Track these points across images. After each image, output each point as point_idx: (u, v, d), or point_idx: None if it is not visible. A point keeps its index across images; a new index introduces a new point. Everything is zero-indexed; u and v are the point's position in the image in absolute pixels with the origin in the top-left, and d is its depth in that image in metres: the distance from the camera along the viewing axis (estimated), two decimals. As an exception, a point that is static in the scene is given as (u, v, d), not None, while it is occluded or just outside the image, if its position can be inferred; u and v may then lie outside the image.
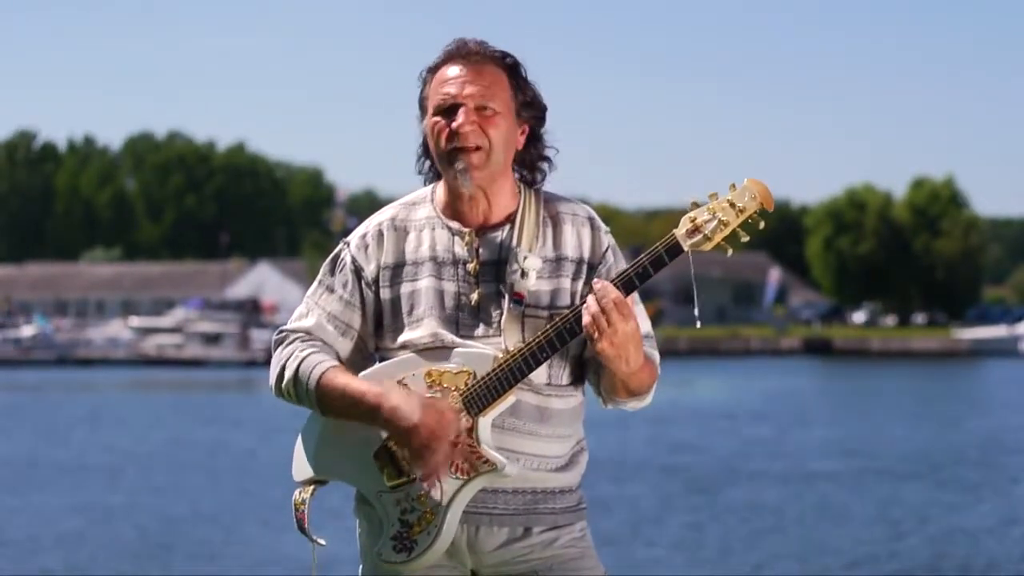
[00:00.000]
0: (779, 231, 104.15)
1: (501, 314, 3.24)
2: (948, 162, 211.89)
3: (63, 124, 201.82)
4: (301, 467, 3.36)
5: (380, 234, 3.35)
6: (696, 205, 3.16)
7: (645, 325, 3.27)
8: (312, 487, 3.34)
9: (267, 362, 3.44)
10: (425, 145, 3.33)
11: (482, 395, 3.18)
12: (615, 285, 3.14)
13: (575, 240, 3.31)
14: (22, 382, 50.80)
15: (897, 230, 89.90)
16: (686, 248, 3.15)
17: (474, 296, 3.27)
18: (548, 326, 3.18)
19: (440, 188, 3.35)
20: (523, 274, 3.24)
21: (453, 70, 3.26)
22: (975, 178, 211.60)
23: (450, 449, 3.16)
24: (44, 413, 35.93)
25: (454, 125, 3.23)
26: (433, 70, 3.30)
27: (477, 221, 3.30)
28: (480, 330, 3.25)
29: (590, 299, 3.13)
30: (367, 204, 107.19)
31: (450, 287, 3.28)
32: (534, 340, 3.17)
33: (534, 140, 3.33)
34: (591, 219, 3.34)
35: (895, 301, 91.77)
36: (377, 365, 3.33)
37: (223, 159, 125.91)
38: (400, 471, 3.23)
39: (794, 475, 22.00)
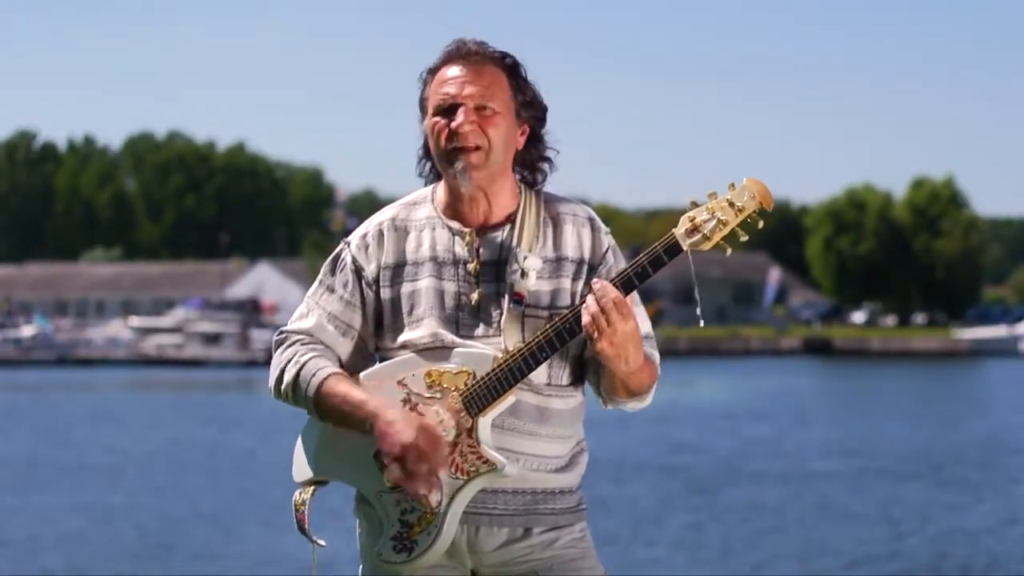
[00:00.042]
0: (779, 231, 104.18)
1: (501, 314, 3.24)
2: (948, 162, 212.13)
3: (63, 124, 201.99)
4: (301, 468, 3.36)
5: (380, 234, 3.35)
6: (695, 204, 3.16)
7: (645, 326, 3.27)
8: (312, 488, 3.34)
9: (267, 362, 3.44)
10: (426, 147, 3.33)
11: (482, 395, 3.18)
12: (614, 285, 3.14)
13: (575, 241, 3.31)
14: (22, 382, 50.81)
15: (897, 230, 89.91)
16: (685, 248, 3.15)
17: (474, 296, 3.27)
18: (548, 326, 3.18)
19: (440, 188, 3.35)
20: (523, 274, 3.24)
21: (453, 70, 3.27)
22: (975, 178, 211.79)
23: (434, 477, 3.15)
24: (44, 413, 35.93)
25: (453, 125, 3.23)
26: (433, 71, 3.30)
27: (477, 221, 3.30)
28: (480, 330, 3.25)
29: (589, 299, 3.13)
30: (367, 204, 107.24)
31: (450, 287, 3.28)
32: (534, 340, 3.17)
33: (535, 141, 3.33)
34: (591, 220, 3.34)
35: (895, 301, 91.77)
36: (377, 365, 3.33)
37: (223, 159, 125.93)
38: (400, 471, 3.23)
39: (794, 475, 22.00)
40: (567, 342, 3.19)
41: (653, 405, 3.37)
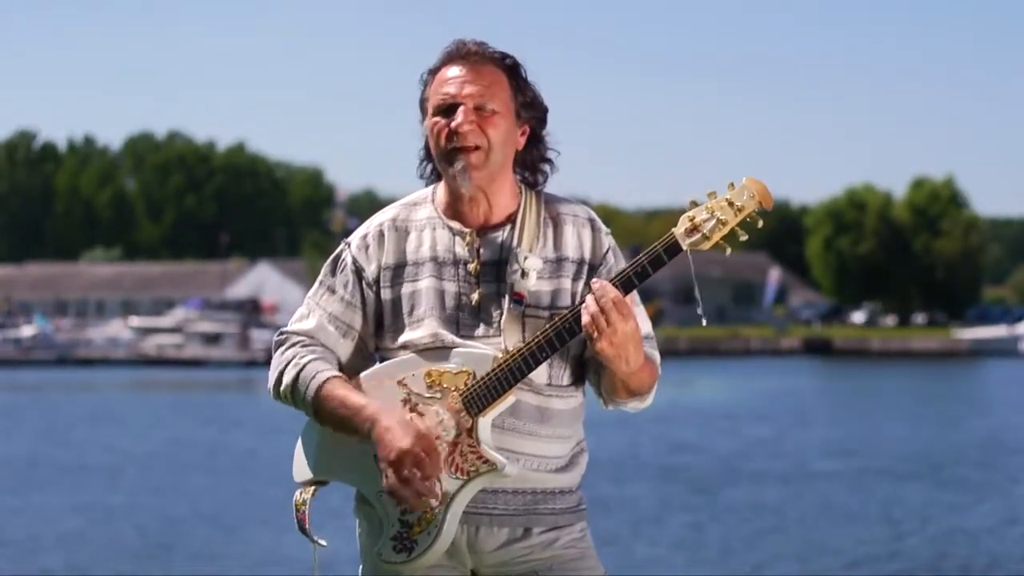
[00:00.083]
0: (779, 231, 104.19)
1: (501, 314, 3.25)
2: (948, 162, 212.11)
3: (63, 124, 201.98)
4: (302, 468, 3.36)
5: (381, 234, 3.35)
6: (695, 204, 3.16)
7: (645, 326, 3.27)
8: (313, 488, 3.34)
9: (267, 362, 3.44)
10: (427, 148, 3.34)
11: (482, 395, 3.18)
12: (614, 285, 3.14)
13: (576, 241, 3.31)
14: (22, 382, 50.81)
15: (897, 230, 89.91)
16: (685, 247, 3.15)
17: (474, 296, 3.27)
18: (548, 326, 3.19)
19: (441, 189, 3.35)
20: (523, 274, 3.24)
21: (453, 71, 3.27)
22: (975, 178, 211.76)
23: (430, 485, 3.15)
24: (44, 413, 35.93)
25: (453, 124, 3.23)
26: (433, 71, 3.31)
27: (478, 221, 3.30)
28: (480, 330, 3.25)
29: (589, 299, 3.13)
30: (367, 204, 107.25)
31: (451, 287, 3.28)
32: (533, 340, 3.18)
33: (535, 141, 3.34)
34: (592, 220, 3.35)
35: (895, 301, 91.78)
36: (377, 365, 3.33)
37: (223, 159, 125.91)
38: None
39: (794, 475, 22.00)
40: (567, 342, 3.19)
41: (653, 405, 3.37)
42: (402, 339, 3.29)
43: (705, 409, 35.24)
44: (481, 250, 3.29)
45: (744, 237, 3.15)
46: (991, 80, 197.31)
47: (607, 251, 3.33)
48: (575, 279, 3.29)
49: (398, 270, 3.32)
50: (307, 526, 3.31)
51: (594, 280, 3.16)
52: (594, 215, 3.37)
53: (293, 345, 3.34)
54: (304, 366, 3.28)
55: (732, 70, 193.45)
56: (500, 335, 3.23)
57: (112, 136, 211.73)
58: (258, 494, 19.90)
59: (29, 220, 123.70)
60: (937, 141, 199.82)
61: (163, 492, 20.22)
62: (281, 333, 3.37)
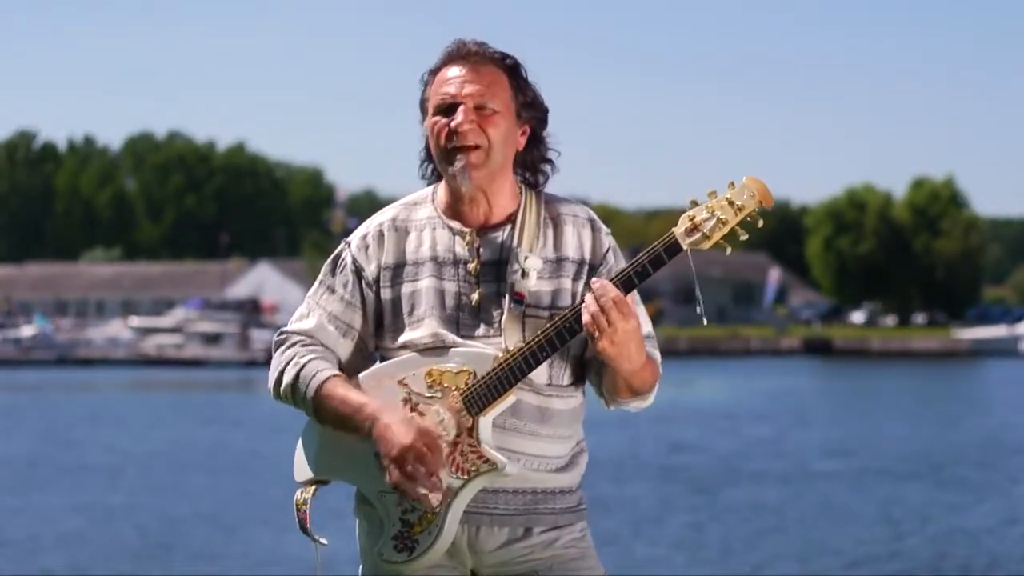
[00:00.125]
0: (779, 231, 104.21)
1: (502, 314, 3.25)
2: (948, 162, 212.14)
3: (63, 124, 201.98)
4: (302, 467, 3.36)
5: (381, 234, 3.35)
6: (695, 203, 3.16)
7: (646, 325, 3.27)
8: (313, 487, 3.35)
9: (267, 362, 3.44)
10: (427, 149, 3.34)
11: (483, 394, 3.18)
12: (614, 284, 3.15)
13: (576, 241, 3.31)
14: (22, 382, 50.81)
15: (897, 230, 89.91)
16: (685, 247, 3.15)
17: (475, 296, 3.27)
18: (548, 325, 3.19)
19: (441, 188, 3.35)
20: (524, 274, 3.24)
21: (453, 71, 3.27)
22: (975, 178, 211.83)
23: (433, 480, 3.15)
24: (44, 413, 35.93)
25: (453, 124, 3.23)
26: (434, 71, 3.31)
27: (478, 221, 3.31)
28: (481, 330, 3.25)
29: (589, 298, 3.13)
30: (367, 204, 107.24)
31: (451, 287, 3.28)
32: (534, 339, 3.18)
33: (535, 142, 3.34)
34: (592, 220, 3.35)
35: (895, 301, 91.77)
36: (377, 365, 3.33)
37: (223, 159, 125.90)
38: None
39: (794, 475, 22.00)
40: (567, 341, 3.19)
41: (654, 405, 3.37)
42: (402, 339, 3.29)
43: (705, 409, 35.24)
44: (481, 250, 3.29)
45: (744, 236, 3.15)
46: (991, 80, 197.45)
47: (607, 251, 3.33)
48: (575, 279, 3.29)
49: (398, 270, 3.32)
50: (308, 525, 3.31)
51: (594, 280, 3.16)
52: (594, 215, 3.37)
53: (293, 345, 3.34)
54: (304, 365, 3.28)
55: (732, 70, 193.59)
56: (500, 335, 3.23)
57: (112, 136, 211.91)
58: (258, 494, 19.90)
59: (29, 220, 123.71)
60: (937, 141, 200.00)
61: (163, 492, 20.22)
62: (281, 333, 3.37)
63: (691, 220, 3.15)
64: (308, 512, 3.32)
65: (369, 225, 3.38)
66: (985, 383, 51.85)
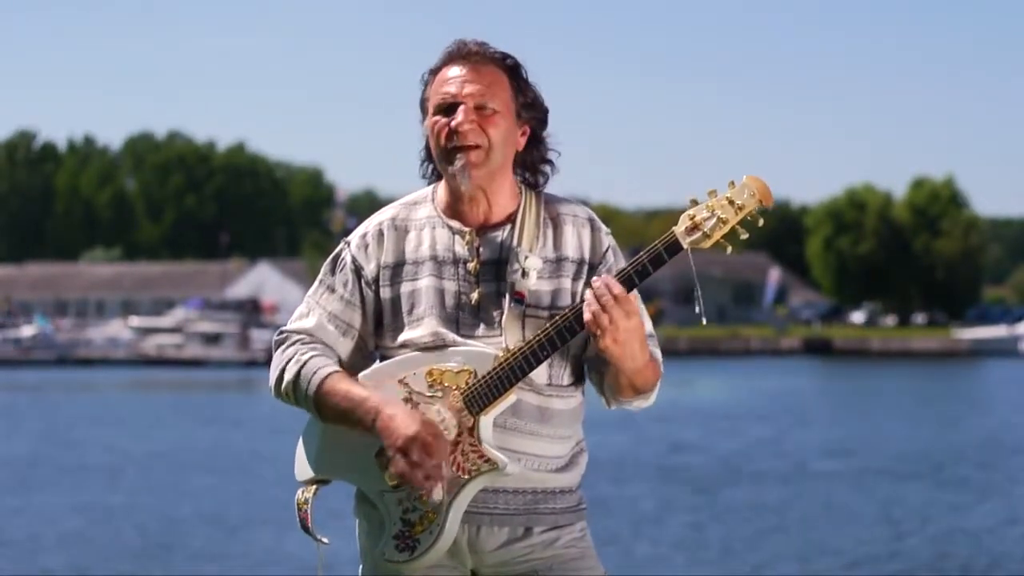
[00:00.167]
0: (779, 231, 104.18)
1: (501, 313, 3.25)
2: (948, 162, 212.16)
3: (63, 124, 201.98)
4: (303, 467, 3.36)
5: (380, 233, 3.35)
6: (695, 202, 3.16)
7: (647, 325, 3.27)
8: (315, 487, 3.35)
9: (267, 362, 3.45)
10: (428, 148, 3.34)
11: (483, 394, 3.18)
12: (614, 283, 3.15)
13: (576, 241, 3.31)
14: (22, 382, 50.80)
15: (897, 230, 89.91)
16: (685, 246, 3.15)
17: (474, 295, 3.27)
18: (548, 325, 3.19)
19: (441, 188, 3.35)
20: (524, 273, 3.24)
21: (453, 70, 3.27)
22: (975, 178, 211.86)
23: (441, 468, 3.16)
24: (44, 413, 35.93)
25: (453, 123, 3.23)
26: (434, 71, 3.31)
27: (477, 221, 3.31)
28: (481, 329, 3.25)
29: (589, 295, 3.13)
30: (367, 204, 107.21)
31: (450, 286, 3.28)
32: (534, 338, 3.18)
33: (535, 142, 3.34)
34: (591, 220, 3.35)
35: (895, 301, 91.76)
36: (377, 364, 3.33)
37: (223, 159, 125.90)
38: (401, 472, 3.23)
39: (794, 475, 22.01)
40: (568, 340, 3.19)
41: (654, 405, 3.37)
42: (402, 338, 3.29)
43: (705, 409, 35.23)
44: (481, 249, 3.29)
45: (745, 235, 3.14)
46: (991, 80, 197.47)
47: (607, 250, 3.33)
48: (575, 279, 3.29)
49: (397, 269, 3.32)
50: (309, 525, 3.32)
51: (595, 279, 3.16)
52: (594, 215, 3.37)
53: (294, 343, 3.34)
54: (305, 363, 3.29)
55: (732, 70, 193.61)
56: (501, 334, 3.23)
57: (112, 136, 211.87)
58: (258, 494, 19.91)
59: (29, 220, 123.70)
60: (937, 141, 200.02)
61: (163, 492, 20.22)
62: (281, 332, 3.37)
63: (691, 219, 3.15)
64: (309, 512, 3.32)
65: (369, 224, 3.38)
66: (985, 383, 51.85)
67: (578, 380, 3.34)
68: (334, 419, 3.26)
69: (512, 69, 3.30)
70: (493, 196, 3.30)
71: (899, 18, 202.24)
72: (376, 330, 3.35)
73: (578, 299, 3.24)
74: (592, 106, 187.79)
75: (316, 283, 3.40)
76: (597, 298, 3.11)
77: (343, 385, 3.25)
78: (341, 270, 3.37)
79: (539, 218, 3.31)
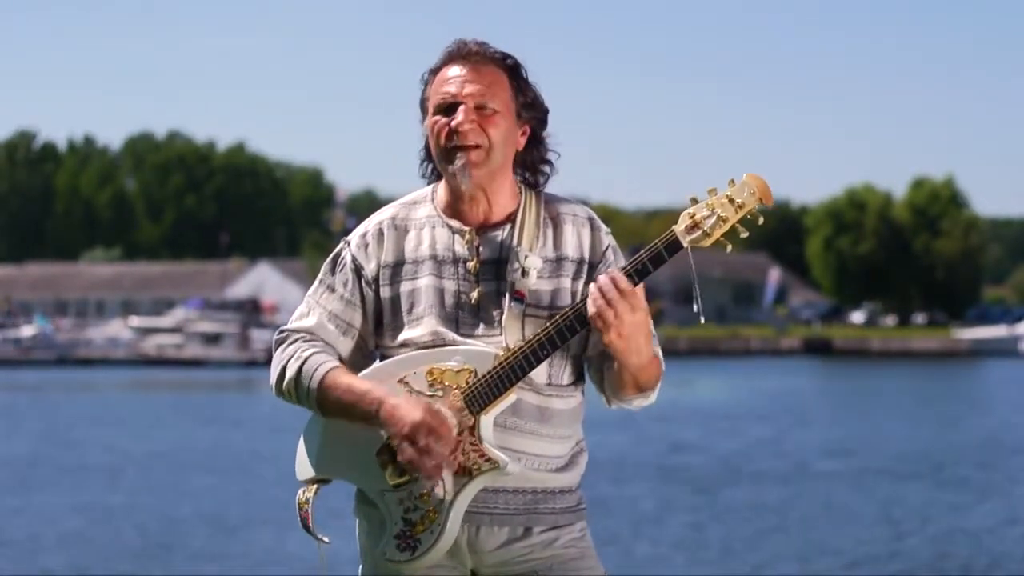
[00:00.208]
0: (779, 231, 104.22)
1: (501, 313, 3.25)
2: (948, 162, 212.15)
3: (63, 124, 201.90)
4: (304, 466, 3.36)
5: (380, 233, 3.35)
6: (695, 201, 3.16)
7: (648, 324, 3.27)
8: (315, 486, 3.35)
9: (267, 362, 3.45)
10: (427, 148, 3.34)
11: (483, 393, 3.18)
12: (615, 281, 3.15)
13: (575, 240, 3.32)
14: (22, 382, 50.79)
15: (897, 230, 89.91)
16: (685, 244, 3.15)
17: (474, 295, 3.27)
18: (549, 324, 3.19)
19: (441, 187, 3.36)
20: (524, 273, 3.24)
21: (453, 70, 3.28)
22: (975, 178, 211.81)
23: (448, 453, 3.15)
24: (44, 413, 35.92)
25: (454, 123, 3.24)
26: (434, 71, 3.31)
27: (477, 220, 3.31)
28: (481, 329, 3.25)
29: (593, 289, 3.12)
30: (367, 204, 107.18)
31: (450, 285, 3.28)
32: (535, 338, 3.18)
33: (535, 142, 3.34)
34: (591, 219, 3.35)
35: (895, 301, 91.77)
36: (378, 364, 3.33)
37: (223, 159, 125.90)
38: (402, 470, 3.23)
39: (794, 475, 22.01)
40: (568, 340, 3.19)
41: (654, 404, 3.37)
42: (402, 337, 3.29)
43: (705, 409, 35.23)
44: (481, 248, 3.29)
45: (745, 234, 3.14)
46: (991, 80, 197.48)
47: (607, 248, 3.33)
48: (575, 278, 3.30)
49: (397, 268, 3.32)
50: (310, 524, 3.32)
51: (599, 275, 3.16)
52: (593, 214, 3.37)
53: (295, 341, 3.34)
54: (306, 359, 3.29)
55: (732, 70, 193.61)
56: (500, 334, 3.23)
57: (112, 136, 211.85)
58: (258, 494, 19.90)
59: (29, 220, 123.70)
60: (937, 141, 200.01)
61: (163, 492, 20.22)
62: (281, 331, 3.37)
63: (691, 217, 3.15)
64: (310, 511, 3.32)
65: (369, 224, 3.38)
66: (985, 383, 51.85)
67: (578, 380, 3.34)
68: (337, 413, 3.26)
69: (512, 69, 3.30)
70: (493, 196, 3.30)
71: (899, 18, 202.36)
72: (376, 329, 3.35)
73: (578, 298, 3.24)
74: (592, 106, 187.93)
75: (316, 283, 3.40)
76: (602, 292, 3.11)
77: (345, 379, 3.25)
78: (341, 269, 3.37)
79: (539, 218, 3.31)
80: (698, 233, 3.14)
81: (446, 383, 3.21)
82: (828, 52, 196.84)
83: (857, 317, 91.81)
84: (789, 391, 43.83)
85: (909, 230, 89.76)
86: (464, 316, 3.26)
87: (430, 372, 3.22)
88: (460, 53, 3.29)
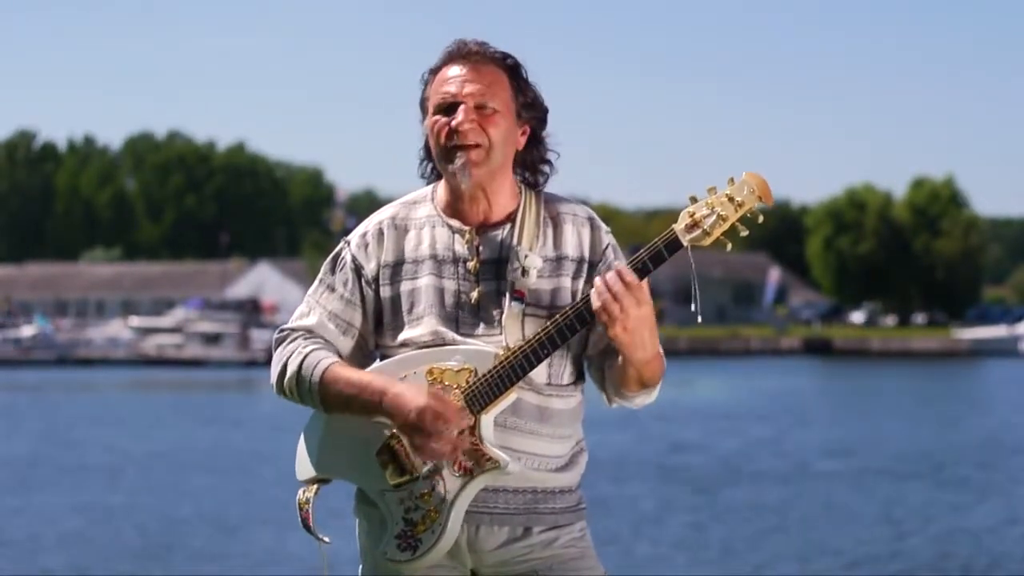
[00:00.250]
0: (779, 231, 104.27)
1: (501, 312, 3.25)
2: (948, 162, 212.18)
3: (63, 124, 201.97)
4: (304, 466, 3.36)
5: (380, 232, 3.35)
6: (694, 200, 3.16)
7: (650, 322, 3.26)
8: (315, 486, 3.34)
9: (267, 362, 3.45)
10: (427, 147, 3.34)
11: (484, 392, 3.18)
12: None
13: (575, 240, 3.31)
14: (22, 382, 50.80)
15: (897, 230, 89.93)
16: (685, 243, 3.15)
17: (474, 294, 3.27)
18: (549, 323, 3.18)
19: (441, 187, 3.35)
20: (524, 272, 3.24)
21: (453, 70, 3.27)
22: (975, 178, 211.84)
23: (456, 435, 3.15)
24: (44, 413, 35.92)
25: (454, 123, 3.23)
26: (434, 71, 3.31)
27: (477, 220, 3.31)
28: (481, 328, 3.25)
29: (599, 283, 3.12)
30: (367, 204, 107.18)
31: (450, 285, 3.28)
32: (535, 337, 3.18)
33: (535, 142, 3.34)
34: (591, 219, 3.35)
35: (895, 301, 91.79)
36: (378, 363, 3.33)
37: (223, 159, 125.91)
38: (403, 469, 3.23)
39: (794, 475, 22.01)
40: (568, 339, 3.19)
41: (654, 404, 3.37)
42: (402, 337, 3.29)
43: (705, 409, 35.23)
44: (481, 248, 3.29)
45: (745, 232, 3.14)
46: (991, 80, 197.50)
47: (607, 247, 3.33)
48: (575, 277, 3.29)
49: (397, 268, 3.32)
50: (311, 524, 3.32)
51: (606, 270, 3.16)
52: (593, 214, 3.37)
53: (295, 339, 3.34)
54: (307, 355, 3.29)
55: (732, 70, 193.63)
56: (500, 333, 3.23)
57: (112, 136, 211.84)
58: (259, 494, 19.90)
59: (29, 220, 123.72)
60: (937, 141, 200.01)
61: (164, 492, 20.22)
62: (281, 330, 3.37)
63: (691, 216, 3.15)
64: (311, 511, 3.32)
65: (369, 223, 3.38)
66: (985, 383, 51.85)
67: (578, 379, 3.34)
68: (339, 407, 3.26)
69: (512, 69, 3.30)
70: (493, 195, 3.30)
71: (899, 18, 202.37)
72: (376, 329, 3.35)
73: (579, 298, 3.24)
74: (592, 106, 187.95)
75: (316, 282, 3.40)
76: (608, 286, 3.10)
77: (345, 372, 3.25)
78: (341, 269, 3.37)
79: (539, 217, 3.31)
80: (698, 232, 3.14)
81: (446, 382, 3.21)
82: (828, 52, 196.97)
83: (857, 317, 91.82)
84: (789, 391, 43.84)
85: (909, 230, 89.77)
86: (464, 316, 3.26)
87: (430, 372, 3.22)
88: (460, 53, 3.29)
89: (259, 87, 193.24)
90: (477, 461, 3.19)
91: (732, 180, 3.15)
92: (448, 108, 3.25)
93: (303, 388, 3.28)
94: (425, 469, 3.22)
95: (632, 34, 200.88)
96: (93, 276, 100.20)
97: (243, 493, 20.10)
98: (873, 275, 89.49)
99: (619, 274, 3.11)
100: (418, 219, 3.35)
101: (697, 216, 3.15)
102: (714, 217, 3.14)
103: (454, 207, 3.32)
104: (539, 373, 3.23)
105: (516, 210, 3.31)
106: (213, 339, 68.68)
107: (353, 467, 3.29)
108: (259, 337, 65.08)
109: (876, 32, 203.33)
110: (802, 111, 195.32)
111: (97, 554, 15.32)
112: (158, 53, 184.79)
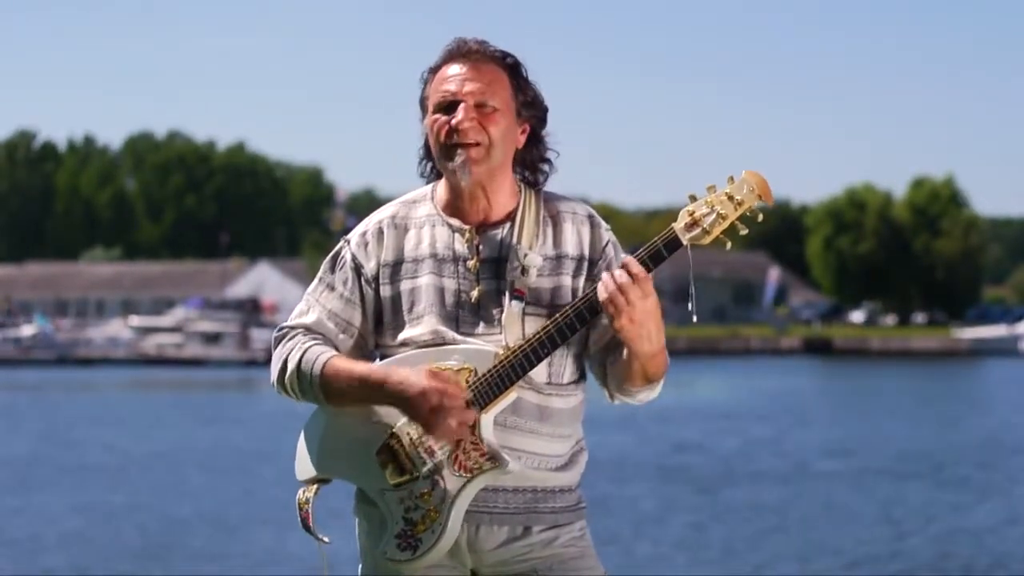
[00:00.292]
0: (779, 231, 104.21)
1: (501, 311, 3.24)
2: (948, 162, 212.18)
3: (63, 124, 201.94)
4: (304, 466, 3.36)
5: (380, 231, 3.35)
6: (694, 198, 3.16)
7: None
8: (315, 486, 3.34)
9: (267, 361, 3.44)
10: (427, 146, 3.33)
11: (484, 392, 3.18)
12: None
13: (575, 238, 3.31)
14: (22, 382, 50.79)
15: (897, 230, 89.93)
16: (685, 242, 3.15)
17: (474, 293, 3.27)
18: (549, 322, 3.18)
19: (441, 186, 3.35)
20: (524, 271, 3.24)
21: (453, 68, 3.27)
22: (975, 178, 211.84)
23: (463, 415, 3.15)
24: (44, 413, 35.92)
25: (454, 122, 3.23)
26: (434, 70, 3.31)
27: (477, 219, 3.30)
28: (481, 327, 3.25)
29: (606, 276, 3.12)
30: (367, 204, 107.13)
31: (450, 284, 3.28)
32: (535, 336, 3.17)
33: (535, 141, 3.34)
34: (591, 217, 3.35)
35: (895, 301, 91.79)
36: (378, 363, 3.32)
37: (223, 159, 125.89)
38: (403, 469, 3.23)
39: (795, 475, 22.00)
40: (568, 338, 3.18)
41: (654, 404, 3.36)
42: (402, 336, 3.29)
43: (705, 409, 35.23)
44: (481, 247, 3.28)
45: (744, 231, 3.14)
46: (991, 80, 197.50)
47: (606, 244, 3.33)
48: (575, 276, 3.29)
49: (397, 267, 3.32)
50: (311, 524, 3.31)
51: (607, 268, 3.15)
52: (593, 212, 3.37)
53: (294, 336, 3.34)
54: (307, 350, 3.29)
55: (732, 70, 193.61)
56: (500, 332, 3.23)
57: (112, 136, 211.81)
58: (259, 494, 19.90)
59: (29, 220, 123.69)
60: (937, 141, 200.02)
61: (164, 492, 20.22)
62: (281, 328, 3.37)
63: (691, 215, 3.15)
64: (311, 511, 3.32)
65: (369, 222, 3.38)
66: (985, 383, 51.85)
67: (578, 379, 3.33)
68: (341, 399, 3.25)
69: (512, 67, 3.30)
70: (493, 194, 3.29)
71: (899, 18, 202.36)
72: (376, 328, 3.35)
73: (579, 296, 3.23)
74: (592, 106, 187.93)
75: (316, 281, 3.39)
76: (614, 278, 3.10)
77: (346, 364, 3.24)
78: (341, 268, 3.36)
79: (539, 216, 3.31)
80: (697, 231, 3.14)
81: (446, 382, 3.20)
82: (828, 52, 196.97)
83: (857, 317, 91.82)
84: (789, 391, 43.83)
85: (909, 230, 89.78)
86: (464, 315, 3.26)
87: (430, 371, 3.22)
88: (460, 51, 3.28)
89: (259, 87, 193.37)
90: (477, 461, 3.19)
91: (732, 179, 3.15)
92: (448, 106, 3.25)
93: (304, 383, 3.28)
94: (425, 469, 3.22)
95: (632, 34, 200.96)
96: (93, 276, 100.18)
97: (243, 493, 20.10)
98: (873, 275, 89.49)
99: (626, 266, 3.10)
100: (418, 218, 3.34)
101: (697, 215, 3.14)
102: (714, 216, 3.14)
103: (454, 206, 3.32)
104: (539, 372, 3.22)
105: (516, 209, 3.31)
106: (213, 339, 68.69)
107: (353, 467, 3.29)
108: (259, 337, 65.09)
109: (876, 32, 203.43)
110: (802, 111, 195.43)
111: (97, 554, 15.32)
112: (158, 53, 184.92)
